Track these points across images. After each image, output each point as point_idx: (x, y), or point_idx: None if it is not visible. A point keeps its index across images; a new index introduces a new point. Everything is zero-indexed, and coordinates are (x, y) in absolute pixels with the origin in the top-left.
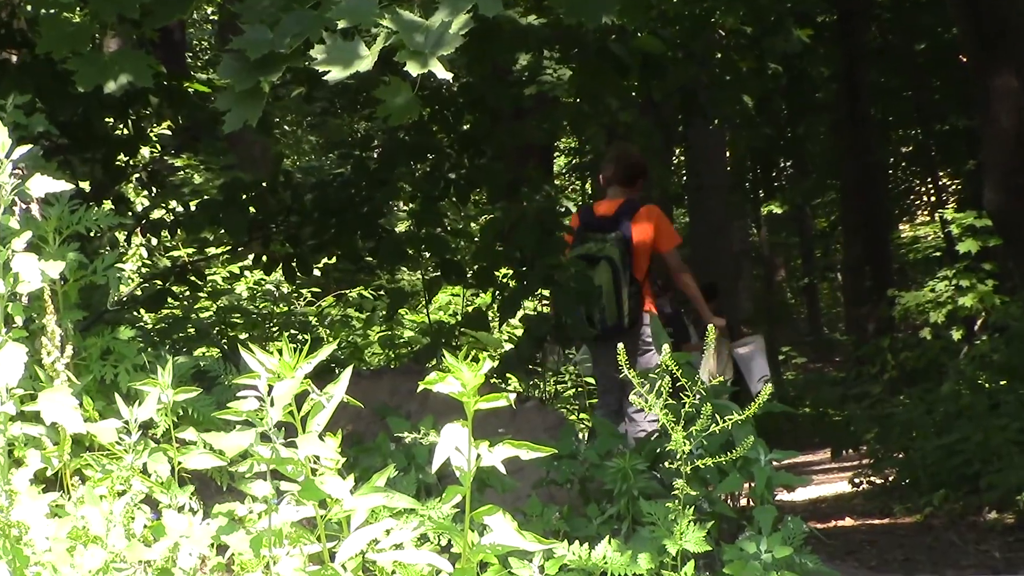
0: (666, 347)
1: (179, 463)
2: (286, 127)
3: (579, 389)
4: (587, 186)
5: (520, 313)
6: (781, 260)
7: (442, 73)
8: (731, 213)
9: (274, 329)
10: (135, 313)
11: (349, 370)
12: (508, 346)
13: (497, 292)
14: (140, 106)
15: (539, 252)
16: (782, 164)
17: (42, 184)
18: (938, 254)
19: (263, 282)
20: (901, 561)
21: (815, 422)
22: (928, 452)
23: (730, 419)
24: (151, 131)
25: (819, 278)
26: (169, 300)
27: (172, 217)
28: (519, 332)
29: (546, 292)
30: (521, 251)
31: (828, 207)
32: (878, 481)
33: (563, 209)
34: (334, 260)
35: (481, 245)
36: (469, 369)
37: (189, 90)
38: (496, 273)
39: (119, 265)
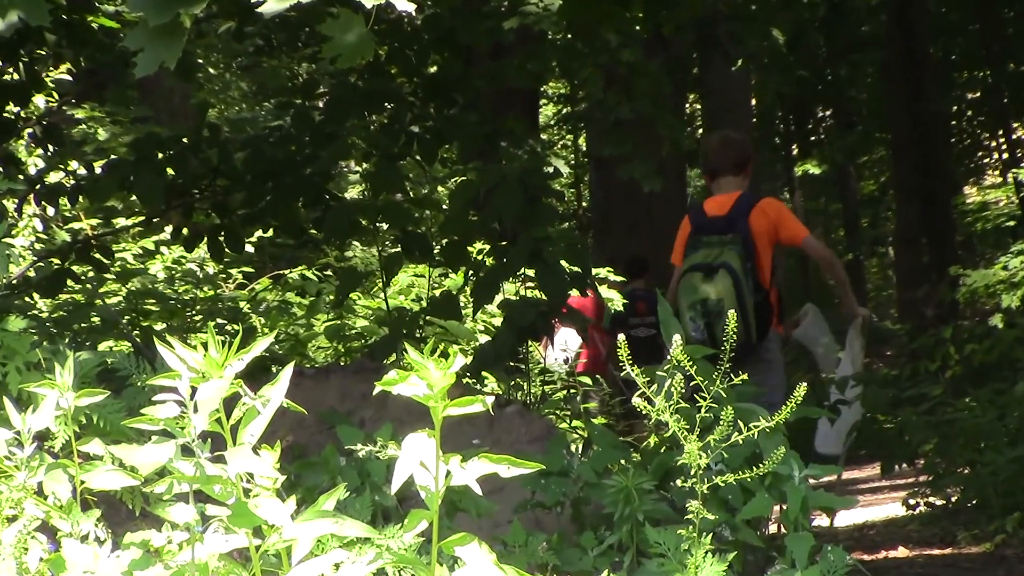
0: (677, 337)
1: (82, 482)
2: (211, 70)
3: (571, 391)
4: (580, 141)
5: (499, 298)
6: (820, 231)
7: (403, 4)
8: (758, 174)
9: (197, 318)
10: (27, 299)
11: (290, 368)
12: (484, 338)
13: (471, 272)
14: (34, 46)
15: (522, 223)
16: (820, 114)
17: None
18: (1011, 223)
19: (183, 260)
20: None
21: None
22: (1000, 467)
23: (756, 426)
24: (47, 76)
25: (866, 253)
26: (69, 283)
27: (72, 181)
28: (497, 321)
29: (531, 272)
30: (500, 222)
31: (877, 166)
32: (938, 502)
33: (551, 169)
34: (270, 233)
35: (451, 214)
36: (436, 366)
37: (93, 26)
38: (469, 249)
39: (6, 240)
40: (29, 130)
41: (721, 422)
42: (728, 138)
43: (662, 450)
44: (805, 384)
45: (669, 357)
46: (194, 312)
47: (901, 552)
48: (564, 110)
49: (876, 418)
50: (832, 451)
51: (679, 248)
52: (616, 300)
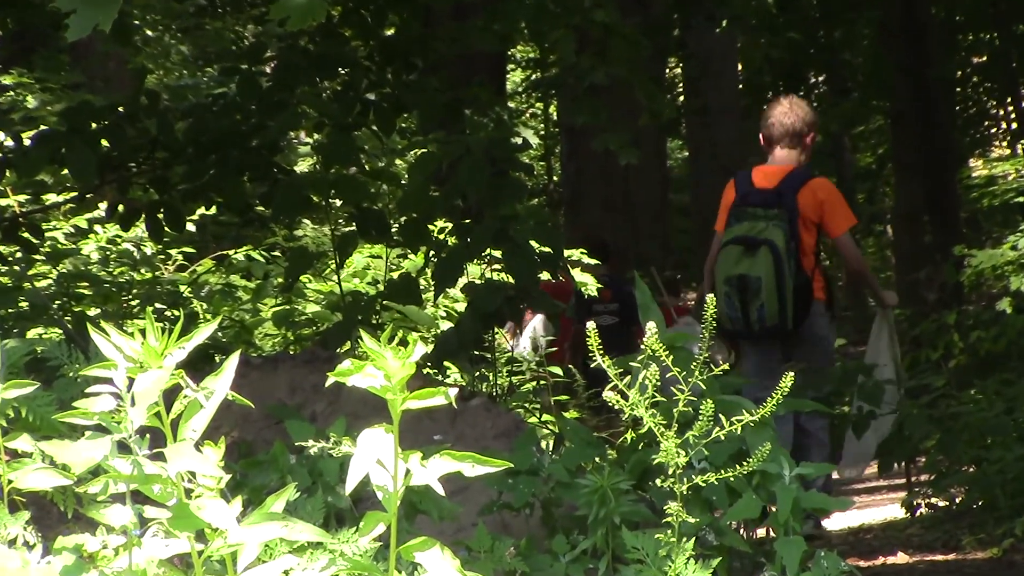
0: (652, 325)
1: (10, 482)
2: (149, 33)
3: (541, 382)
4: (551, 109)
5: (462, 281)
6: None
7: None
8: (744, 146)
9: (134, 303)
10: None
11: (235, 357)
12: (446, 325)
13: (431, 253)
14: None
15: (487, 199)
16: (812, 80)
17: None
18: (1021, 199)
19: (119, 240)
20: None
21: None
22: (1008, 465)
23: (741, 420)
24: None
25: (862, 231)
26: None
27: None
28: (461, 306)
29: (497, 253)
30: (464, 198)
31: (874, 137)
32: (941, 504)
33: (519, 141)
34: (213, 210)
35: (410, 190)
36: (395, 356)
37: None
38: (430, 227)
39: None
40: None
41: (701, 416)
42: (793, 105)
43: (640, 447)
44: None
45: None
46: (131, 296)
47: (900, 558)
48: (533, 76)
49: (872, 412)
50: (856, 472)
51: (723, 215)
52: (590, 284)
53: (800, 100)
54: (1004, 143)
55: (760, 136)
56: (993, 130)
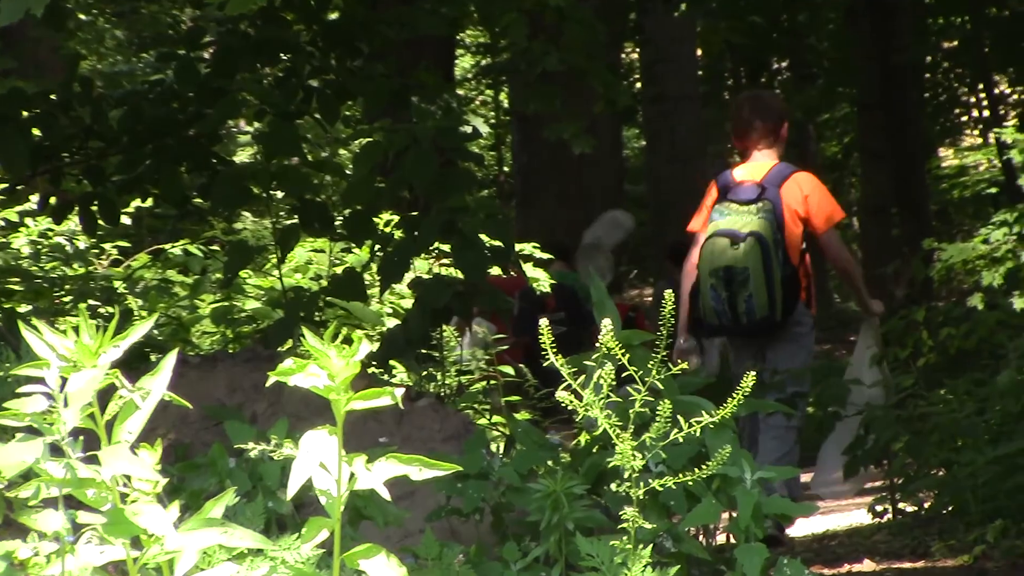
0: (607, 322)
1: None
2: (83, 17)
3: (492, 382)
4: (501, 96)
5: (409, 276)
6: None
7: None
8: (704, 135)
9: (67, 299)
10: None
11: (172, 356)
12: (392, 322)
13: (377, 247)
14: None
15: (435, 190)
16: (775, 66)
17: None
18: (994, 190)
19: (51, 233)
20: None
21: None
22: (980, 468)
23: (701, 422)
24: None
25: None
26: None
27: None
28: (407, 303)
29: (445, 247)
30: (411, 189)
31: (840, 125)
32: (909, 509)
33: (469, 129)
34: (150, 203)
35: (354, 181)
36: (338, 354)
37: None
38: (376, 220)
39: None
40: None
41: (658, 417)
42: (758, 99)
43: (594, 450)
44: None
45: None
46: (63, 292)
47: (867, 565)
48: (483, 61)
49: (837, 412)
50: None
51: (703, 215)
52: (543, 280)
53: (767, 93)
54: (975, 131)
55: (733, 132)
56: (964, 118)
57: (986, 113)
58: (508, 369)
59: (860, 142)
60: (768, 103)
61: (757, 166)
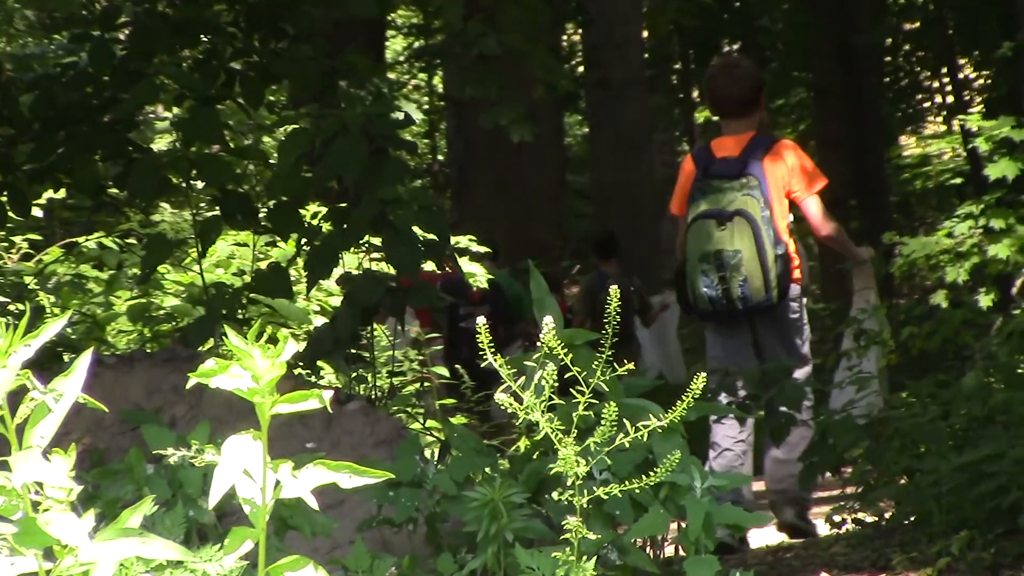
0: (549, 320)
1: None
2: None
3: (426, 384)
4: (436, 81)
5: (338, 271)
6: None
7: None
8: (651, 122)
9: None
10: None
11: (87, 356)
12: (320, 320)
13: (304, 240)
14: None
15: (366, 180)
16: (726, 48)
17: None
18: (958, 181)
19: None
20: None
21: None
22: (944, 476)
23: (649, 426)
24: None
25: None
26: None
27: None
28: (336, 300)
29: (376, 240)
30: (339, 179)
31: (795, 112)
32: (869, 520)
33: (401, 116)
34: (62, 193)
35: (280, 170)
36: (263, 354)
37: None
38: (302, 211)
39: None
40: None
41: (603, 421)
42: (733, 68)
43: (535, 456)
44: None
45: (539, 343)
46: None
47: None
48: (416, 43)
49: (792, 417)
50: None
51: (680, 195)
52: (480, 275)
53: (742, 60)
54: (939, 118)
55: (709, 104)
56: (927, 104)
57: (950, 99)
58: (443, 370)
59: (816, 129)
60: (744, 71)
61: (735, 139)
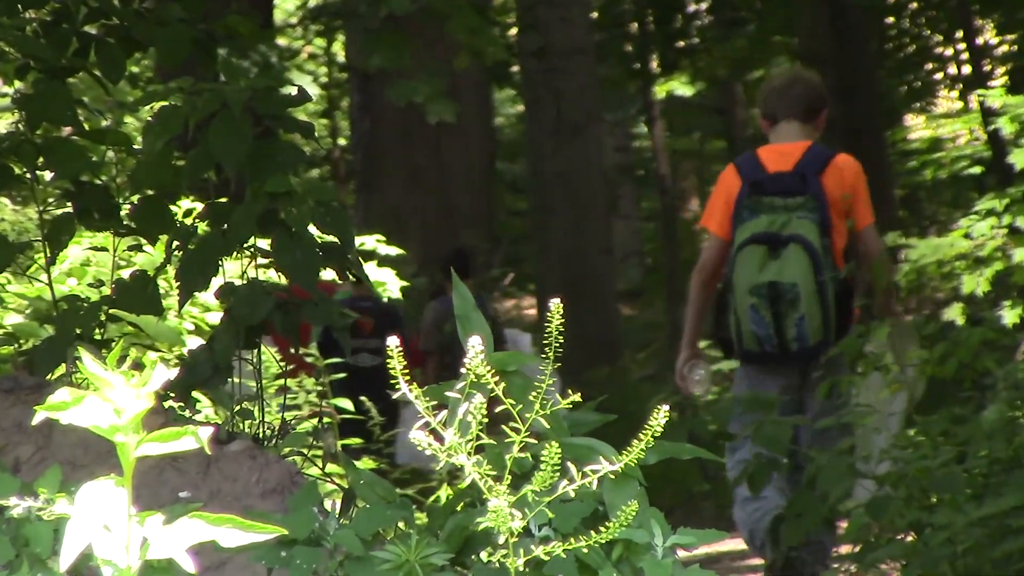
0: (476, 341)
1: None
2: None
3: (325, 420)
4: (335, 48)
5: (217, 282)
6: (693, 182)
7: None
8: (600, 98)
9: None
10: None
11: None
12: (196, 342)
13: (175, 244)
14: None
15: (251, 170)
16: (692, 8)
17: None
18: (977, 170)
19: None
20: None
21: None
22: (960, 532)
23: (599, 471)
24: None
25: None
26: None
27: None
28: (216, 317)
29: (265, 243)
30: (219, 169)
31: None
32: None
33: (293, 91)
34: None
35: (146, 158)
36: (126, 383)
37: None
38: (173, 208)
39: None
40: None
41: (543, 465)
42: (798, 78)
43: (459, 507)
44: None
45: (464, 371)
46: None
47: None
48: (311, 2)
49: (775, 461)
50: None
51: (722, 211)
52: (391, 284)
53: (806, 72)
54: (953, 93)
55: (761, 115)
56: (938, 76)
57: (966, 70)
58: (346, 403)
59: None
60: (806, 84)
61: (789, 148)
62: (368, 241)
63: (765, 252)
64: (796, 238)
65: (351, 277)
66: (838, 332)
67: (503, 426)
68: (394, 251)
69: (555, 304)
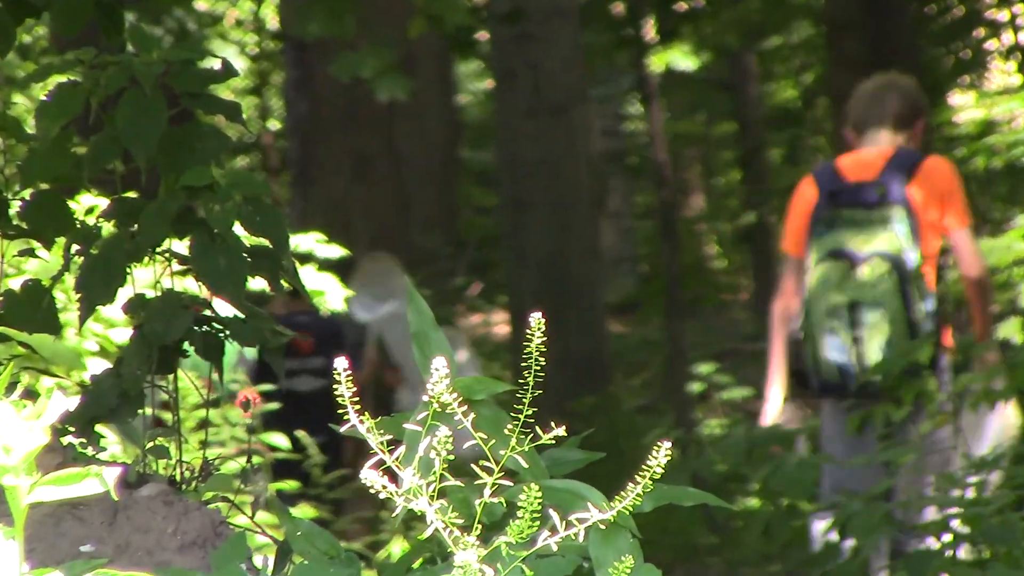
0: (440, 363)
1: None
2: None
3: (253, 458)
4: (266, 13)
5: (125, 293)
6: (697, 172)
7: None
8: (585, 73)
9: None
10: None
11: None
12: (100, 365)
13: (76, 248)
14: None
15: (166, 159)
16: None
17: None
18: None
19: None
20: None
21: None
22: None
23: (586, 520)
24: None
25: (777, 210)
26: None
27: None
28: (123, 335)
29: (182, 246)
30: (128, 157)
31: (799, 56)
32: None
33: (218, 65)
34: None
35: (39, 145)
36: (17, 415)
37: None
38: (72, 205)
39: None
40: None
41: (520, 512)
42: (892, 84)
43: (417, 564)
44: (671, 444)
45: (423, 399)
46: None
47: None
48: None
49: (795, 506)
50: None
51: (796, 228)
52: (334, 294)
53: (902, 77)
54: (1010, 65)
55: (846, 127)
56: (991, 43)
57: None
58: (280, 439)
59: (829, 83)
60: (899, 90)
61: (871, 155)
62: (305, 241)
63: (845, 269)
64: (881, 254)
65: (284, 285)
66: (932, 359)
67: (472, 465)
68: (337, 252)
69: (536, 319)
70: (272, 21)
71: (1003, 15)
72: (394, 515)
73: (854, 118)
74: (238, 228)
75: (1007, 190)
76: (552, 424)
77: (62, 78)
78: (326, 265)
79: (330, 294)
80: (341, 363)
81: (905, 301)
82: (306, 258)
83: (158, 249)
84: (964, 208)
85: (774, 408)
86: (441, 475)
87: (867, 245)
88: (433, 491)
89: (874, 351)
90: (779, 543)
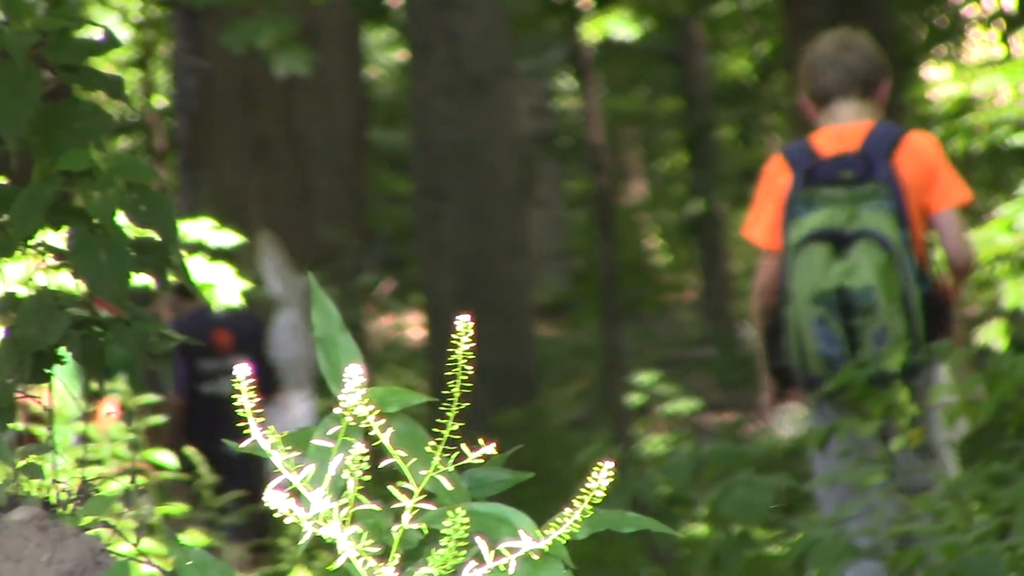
0: (355, 370)
1: None
2: None
3: (139, 479)
4: None
5: None
6: (638, 155)
7: None
8: (511, 42)
9: None
10: None
11: None
12: None
13: None
14: None
15: (40, 142)
16: None
17: None
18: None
19: None
20: None
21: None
22: None
23: (515, 548)
24: None
25: (729, 199)
26: None
27: None
28: None
29: (58, 239)
30: None
31: (753, 24)
32: None
33: (99, 35)
34: None
35: None
36: None
37: None
38: None
39: None
40: None
41: (444, 539)
42: (849, 45)
43: None
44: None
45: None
46: None
47: None
48: None
49: (746, 534)
50: None
51: (768, 215)
52: (227, 286)
53: (856, 34)
54: (993, 34)
55: (805, 96)
56: (971, 7)
57: (1009, 2)
58: (167, 456)
59: (787, 53)
60: (858, 51)
61: (849, 128)
62: (194, 229)
63: (829, 251)
64: (868, 233)
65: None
66: (928, 344)
67: (390, 487)
68: (231, 239)
69: (463, 322)
70: None
71: None
72: (300, 543)
73: (812, 87)
74: (121, 218)
75: (989, 175)
76: (478, 441)
77: None
78: (219, 254)
79: (222, 287)
80: (243, 369)
81: (904, 286)
82: (196, 247)
83: (31, 242)
84: (954, 185)
85: (771, 403)
86: (356, 496)
87: (852, 223)
88: (346, 515)
89: (867, 344)
90: (730, 575)
